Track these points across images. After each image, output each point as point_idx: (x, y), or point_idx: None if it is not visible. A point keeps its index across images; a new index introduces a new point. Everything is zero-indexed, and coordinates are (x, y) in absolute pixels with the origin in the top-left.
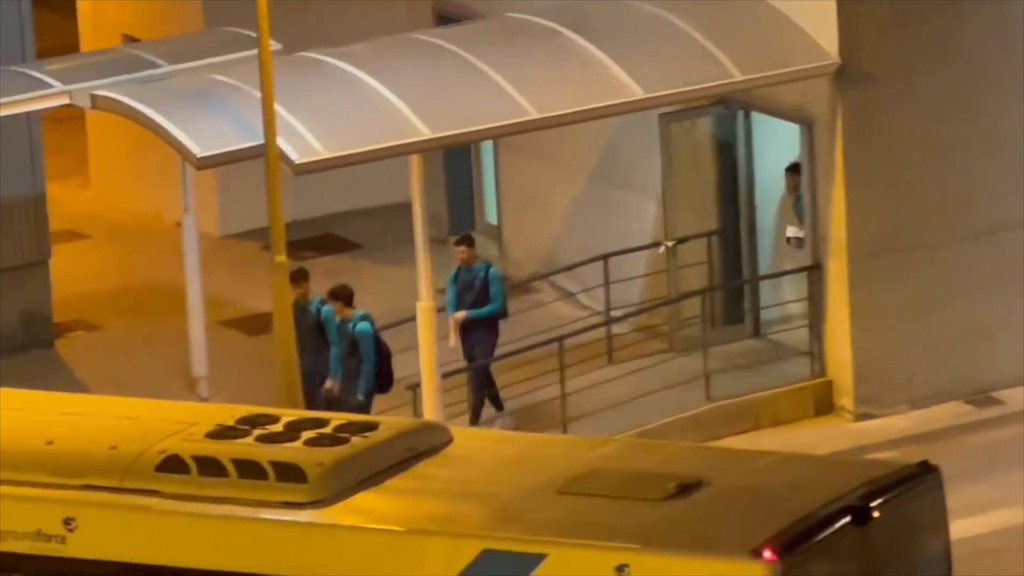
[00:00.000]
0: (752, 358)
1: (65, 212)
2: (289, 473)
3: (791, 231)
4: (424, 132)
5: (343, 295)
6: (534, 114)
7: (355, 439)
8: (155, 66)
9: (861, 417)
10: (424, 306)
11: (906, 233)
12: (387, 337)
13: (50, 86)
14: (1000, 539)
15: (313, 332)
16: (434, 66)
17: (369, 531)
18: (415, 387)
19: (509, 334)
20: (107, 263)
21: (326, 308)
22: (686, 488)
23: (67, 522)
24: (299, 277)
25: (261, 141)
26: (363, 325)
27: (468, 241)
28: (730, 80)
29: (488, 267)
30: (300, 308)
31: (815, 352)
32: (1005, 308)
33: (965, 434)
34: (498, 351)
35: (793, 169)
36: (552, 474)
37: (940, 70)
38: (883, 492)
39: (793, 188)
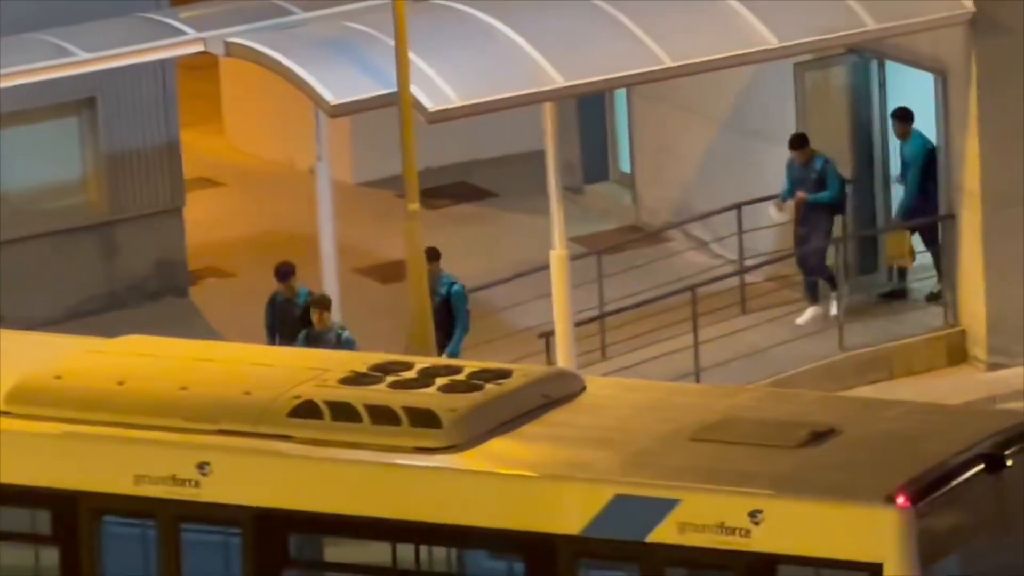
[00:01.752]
0: (885, 308)
1: (199, 160)
2: (423, 418)
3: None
4: (558, 80)
5: (324, 303)
6: (668, 62)
7: (489, 386)
8: (289, 13)
9: (994, 367)
10: (558, 254)
11: None
12: (520, 286)
13: (184, 33)
14: None
15: (301, 324)
16: (568, 14)
17: (502, 476)
18: (548, 335)
19: (643, 282)
20: (241, 211)
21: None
22: (819, 436)
23: (201, 467)
24: (286, 274)
25: (394, 89)
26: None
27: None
28: (864, 28)
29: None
30: (286, 300)
31: (948, 302)
32: None
33: None
34: (629, 300)
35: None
36: (685, 422)
37: None
38: (1016, 441)
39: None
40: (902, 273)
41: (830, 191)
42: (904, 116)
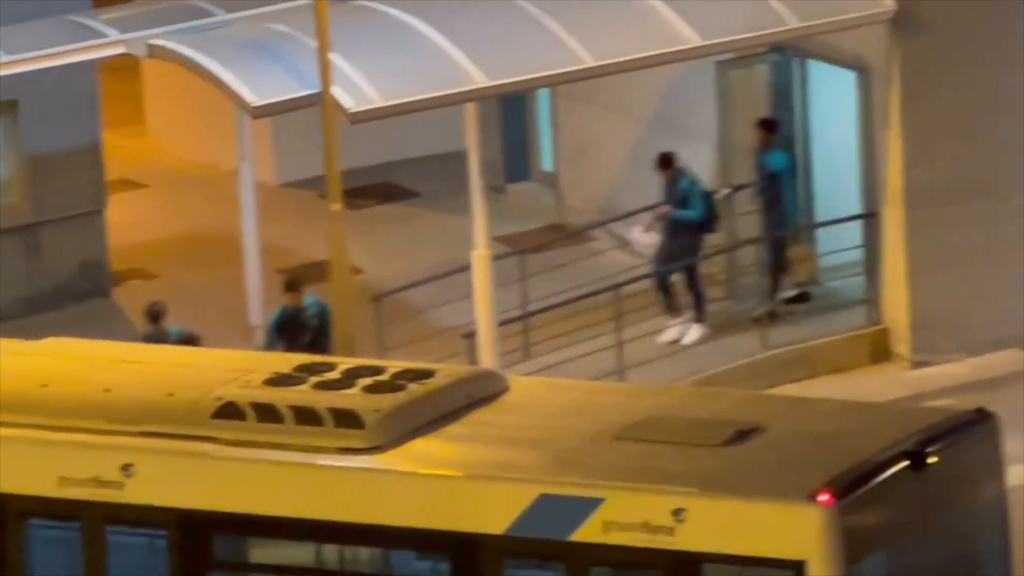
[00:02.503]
0: (809, 306)
1: (121, 161)
2: (346, 419)
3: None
4: (480, 80)
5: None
6: (590, 62)
7: (412, 386)
8: (210, 15)
9: (918, 365)
10: (480, 254)
11: (963, 181)
12: (443, 286)
13: (106, 35)
14: None
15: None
16: (490, 14)
17: (426, 477)
18: (471, 335)
19: (566, 282)
20: (163, 212)
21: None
22: (743, 434)
23: (125, 468)
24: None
25: (317, 90)
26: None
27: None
28: (786, 27)
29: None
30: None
31: (872, 300)
32: None
33: (1022, 381)
34: (553, 299)
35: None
36: (609, 421)
37: (998, 18)
38: (940, 438)
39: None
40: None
41: (695, 210)
42: (770, 126)
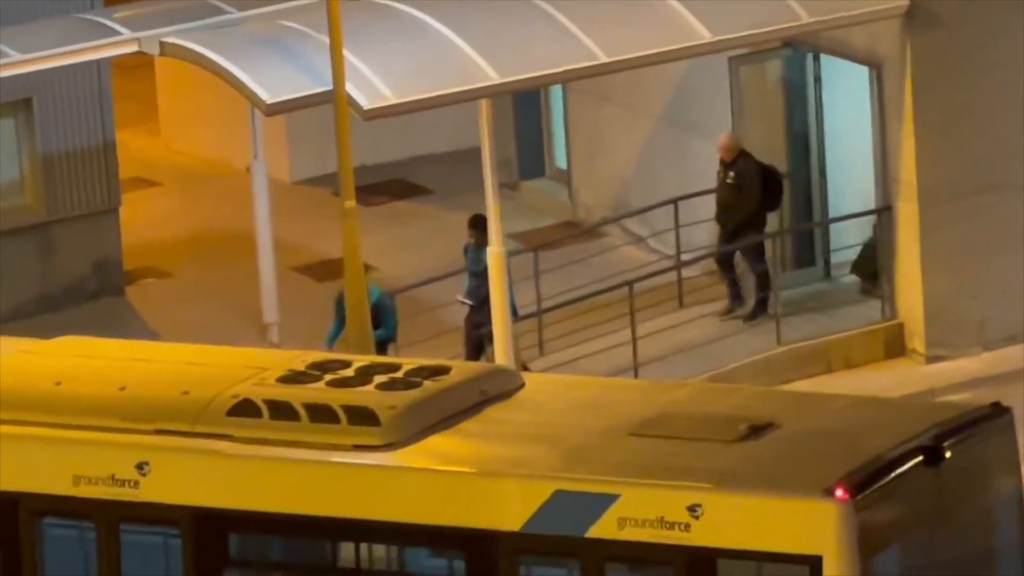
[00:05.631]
0: (823, 301)
1: (135, 159)
2: (361, 416)
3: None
4: (493, 77)
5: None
6: (603, 58)
7: (427, 383)
8: (223, 12)
9: (932, 359)
10: (495, 251)
11: (977, 175)
12: (456, 283)
13: (119, 33)
14: None
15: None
16: (503, 11)
17: (442, 473)
18: (487, 334)
19: (580, 278)
20: (177, 210)
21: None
22: (758, 430)
23: (140, 467)
24: None
25: (330, 87)
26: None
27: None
28: (799, 22)
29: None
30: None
31: (886, 295)
32: None
33: None
34: (566, 296)
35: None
36: (624, 417)
37: (1011, 13)
38: (954, 433)
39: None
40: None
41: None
42: (480, 225)
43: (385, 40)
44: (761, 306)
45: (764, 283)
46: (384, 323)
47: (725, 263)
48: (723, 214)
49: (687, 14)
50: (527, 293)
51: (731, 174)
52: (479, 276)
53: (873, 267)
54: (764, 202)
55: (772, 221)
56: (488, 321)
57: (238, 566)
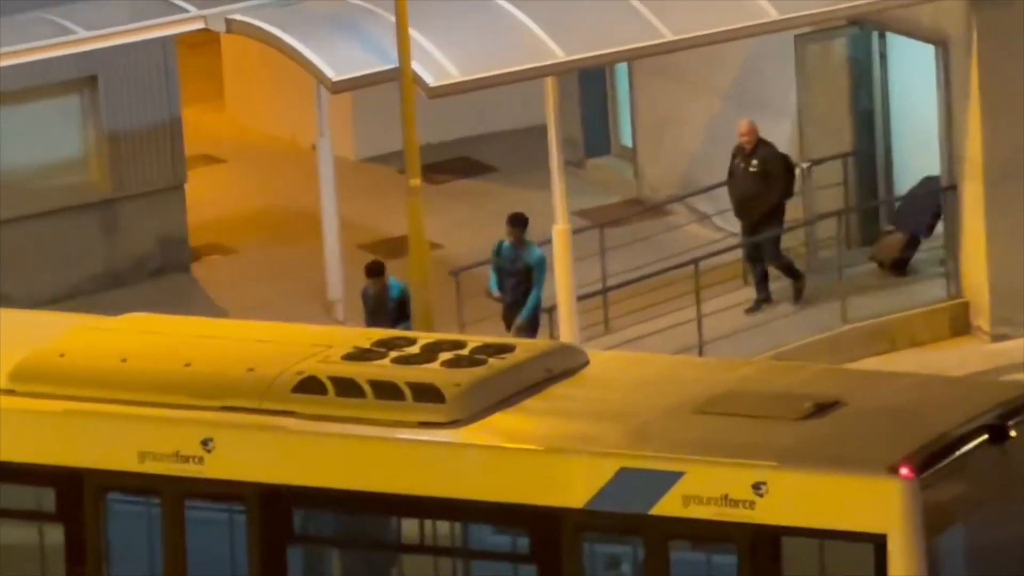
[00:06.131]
0: (888, 279)
1: (201, 136)
2: (426, 393)
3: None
4: (559, 54)
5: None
6: (669, 36)
7: (492, 360)
8: None
9: (998, 338)
10: (560, 228)
11: None
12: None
13: (185, 10)
14: None
15: (395, 314)
16: None
17: (506, 450)
18: (551, 309)
19: (645, 256)
20: (243, 187)
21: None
22: (823, 408)
23: (205, 443)
24: (377, 271)
25: (395, 64)
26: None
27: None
28: (864, 0)
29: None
30: (376, 294)
31: (951, 273)
32: None
33: None
34: (632, 274)
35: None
36: (689, 395)
37: None
38: (1019, 412)
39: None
40: (911, 243)
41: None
42: (518, 222)
43: (451, 18)
44: (800, 292)
45: (792, 272)
46: (410, 315)
47: (755, 256)
48: (745, 205)
49: None
50: (592, 270)
51: (753, 162)
52: (517, 275)
53: (894, 254)
54: (786, 191)
55: (838, 199)
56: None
57: (302, 542)
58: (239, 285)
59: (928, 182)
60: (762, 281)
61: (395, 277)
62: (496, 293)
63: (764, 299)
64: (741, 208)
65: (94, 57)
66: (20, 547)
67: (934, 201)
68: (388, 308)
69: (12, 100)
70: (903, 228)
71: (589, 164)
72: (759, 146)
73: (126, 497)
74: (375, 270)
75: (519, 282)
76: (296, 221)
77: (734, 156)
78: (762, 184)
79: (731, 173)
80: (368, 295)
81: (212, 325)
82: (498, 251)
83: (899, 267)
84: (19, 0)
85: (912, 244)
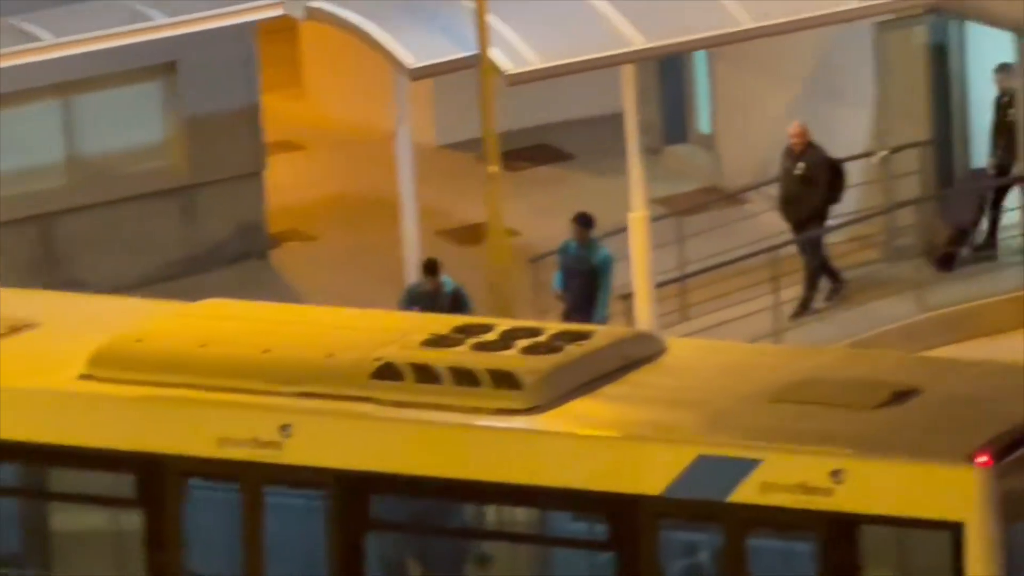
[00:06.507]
0: (966, 268)
1: (280, 123)
2: (504, 380)
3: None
4: (638, 42)
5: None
6: (748, 23)
7: (569, 347)
8: None
9: None
10: (637, 216)
11: None
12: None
13: None
14: None
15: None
16: None
17: (584, 437)
18: (629, 297)
19: (720, 244)
20: (321, 173)
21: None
22: (900, 396)
23: (283, 429)
24: (434, 269)
25: (474, 51)
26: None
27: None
28: None
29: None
30: (429, 292)
31: None
32: None
33: None
34: (709, 261)
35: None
36: (766, 382)
37: None
38: None
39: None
40: (959, 237)
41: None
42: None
43: (530, 5)
44: (837, 289)
45: (831, 272)
46: (463, 313)
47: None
48: (788, 206)
49: None
50: (669, 258)
51: (800, 165)
52: (582, 275)
53: (940, 249)
54: (830, 195)
55: (916, 187)
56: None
57: (380, 528)
58: (317, 272)
59: (975, 174)
60: (812, 278)
61: (449, 276)
62: (560, 292)
63: (839, 284)
64: (785, 209)
65: (174, 44)
66: (99, 533)
67: (979, 194)
68: (442, 307)
69: (92, 87)
70: (949, 221)
71: (667, 151)
72: (808, 149)
73: (205, 483)
74: (431, 268)
75: (584, 283)
76: (374, 208)
77: (784, 157)
78: (806, 187)
79: (781, 173)
80: (418, 293)
81: (290, 311)
82: (564, 250)
83: (946, 262)
84: None
85: (959, 238)
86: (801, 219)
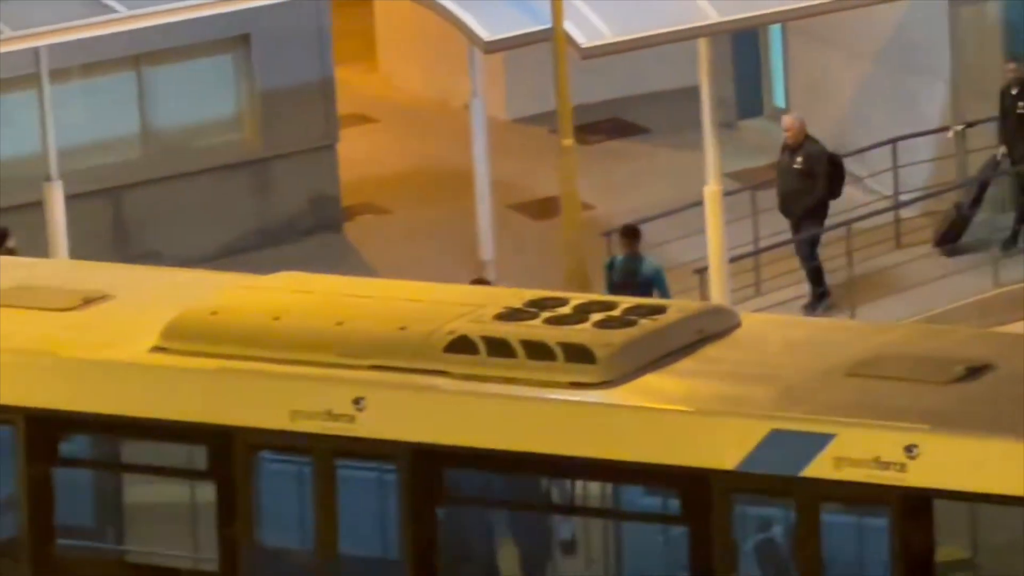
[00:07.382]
0: None
1: (353, 96)
2: (577, 354)
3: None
4: (712, 16)
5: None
6: None
7: (643, 321)
8: None
9: None
10: (712, 190)
11: None
12: (673, 222)
13: None
14: None
15: (637, 294)
16: None
17: (657, 411)
18: (703, 271)
19: None
20: (395, 147)
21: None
22: (974, 371)
23: (356, 402)
24: (634, 234)
25: (549, 25)
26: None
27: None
28: None
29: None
30: (625, 262)
31: None
32: None
33: None
34: (783, 236)
35: (627, 233)
36: (840, 357)
37: None
38: None
39: (630, 255)
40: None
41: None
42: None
43: None
44: (821, 298)
45: (818, 278)
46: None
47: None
48: (787, 202)
49: None
50: (744, 232)
51: (798, 159)
52: (632, 290)
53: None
54: (830, 190)
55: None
56: None
57: (453, 502)
58: (390, 245)
59: (993, 162)
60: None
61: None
62: None
63: (824, 294)
64: (784, 204)
65: (247, 16)
66: (171, 504)
67: (985, 177)
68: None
69: (166, 59)
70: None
71: (741, 125)
72: (805, 142)
73: (277, 455)
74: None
75: (634, 296)
76: (448, 181)
77: (782, 151)
78: (805, 182)
79: (778, 168)
80: (616, 264)
81: (364, 284)
82: (611, 266)
83: (946, 242)
84: None
85: (960, 219)
86: (800, 215)
